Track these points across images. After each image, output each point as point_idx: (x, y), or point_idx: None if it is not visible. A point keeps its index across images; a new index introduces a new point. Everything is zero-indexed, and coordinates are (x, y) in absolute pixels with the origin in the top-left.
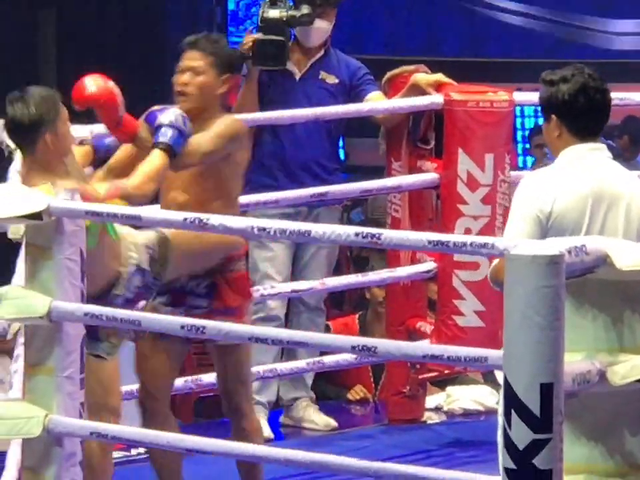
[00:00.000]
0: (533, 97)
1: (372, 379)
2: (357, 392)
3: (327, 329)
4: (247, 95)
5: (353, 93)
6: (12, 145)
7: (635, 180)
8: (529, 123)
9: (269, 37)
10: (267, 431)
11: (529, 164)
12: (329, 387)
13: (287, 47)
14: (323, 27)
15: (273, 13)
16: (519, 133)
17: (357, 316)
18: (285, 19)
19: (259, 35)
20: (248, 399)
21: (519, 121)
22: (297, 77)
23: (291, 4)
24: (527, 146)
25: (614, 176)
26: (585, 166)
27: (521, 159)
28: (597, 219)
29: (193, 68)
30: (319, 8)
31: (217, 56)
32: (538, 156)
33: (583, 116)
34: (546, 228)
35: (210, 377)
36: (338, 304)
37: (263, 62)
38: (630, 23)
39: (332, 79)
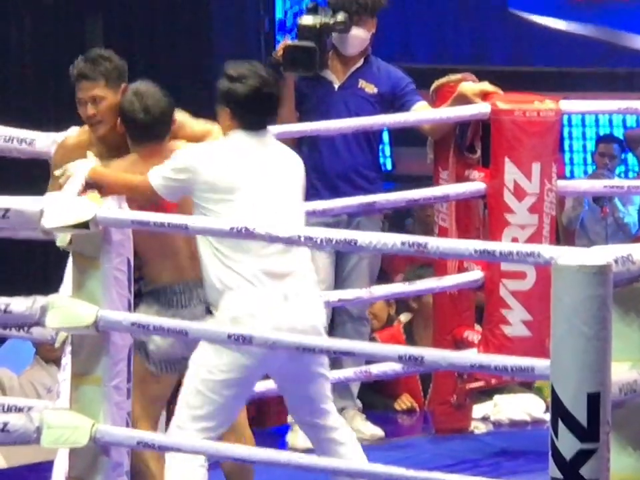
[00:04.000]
0: (581, 105)
1: (421, 389)
2: (404, 401)
3: (373, 342)
4: (283, 102)
5: (397, 103)
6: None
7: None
8: (577, 132)
9: (300, 44)
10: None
11: (577, 173)
12: (376, 397)
13: (318, 53)
14: (360, 35)
15: (307, 20)
16: (566, 142)
17: (401, 325)
18: (318, 26)
19: (291, 42)
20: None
21: (566, 130)
22: (336, 86)
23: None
24: (575, 155)
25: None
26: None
27: (568, 168)
28: None
29: (92, 97)
30: (356, 16)
31: (106, 76)
32: (599, 164)
33: None
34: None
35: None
36: None
37: (292, 68)
38: None
39: (371, 89)
